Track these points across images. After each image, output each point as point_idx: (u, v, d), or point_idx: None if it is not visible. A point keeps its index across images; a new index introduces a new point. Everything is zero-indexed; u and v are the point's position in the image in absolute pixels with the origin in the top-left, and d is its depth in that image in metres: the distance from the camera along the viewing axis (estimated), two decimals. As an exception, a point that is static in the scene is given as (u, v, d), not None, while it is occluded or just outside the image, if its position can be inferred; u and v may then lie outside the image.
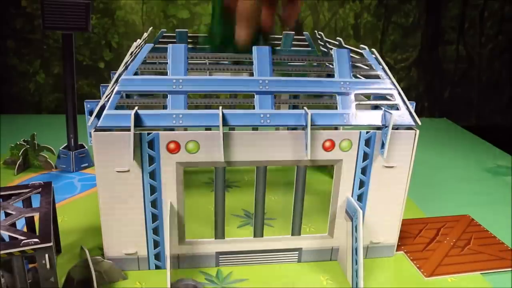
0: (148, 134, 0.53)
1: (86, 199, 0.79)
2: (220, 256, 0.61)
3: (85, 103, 0.57)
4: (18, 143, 0.91)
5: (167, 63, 0.55)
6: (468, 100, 1.74)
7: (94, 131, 0.52)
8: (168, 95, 0.54)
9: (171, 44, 0.56)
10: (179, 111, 0.53)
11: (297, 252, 0.63)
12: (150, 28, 0.80)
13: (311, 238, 0.63)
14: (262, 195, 0.59)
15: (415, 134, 0.57)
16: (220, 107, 0.54)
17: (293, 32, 0.89)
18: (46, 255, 0.46)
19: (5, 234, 0.50)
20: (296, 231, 0.62)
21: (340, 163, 0.58)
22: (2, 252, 0.44)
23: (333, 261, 0.64)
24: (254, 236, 0.61)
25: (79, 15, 0.81)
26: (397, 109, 0.57)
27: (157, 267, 0.60)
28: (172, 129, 0.62)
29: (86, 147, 0.93)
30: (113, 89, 0.53)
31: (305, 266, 0.62)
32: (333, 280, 0.60)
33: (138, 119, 0.52)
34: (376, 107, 0.61)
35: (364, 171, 0.59)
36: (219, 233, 0.60)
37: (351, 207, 0.58)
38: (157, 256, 0.59)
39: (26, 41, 1.38)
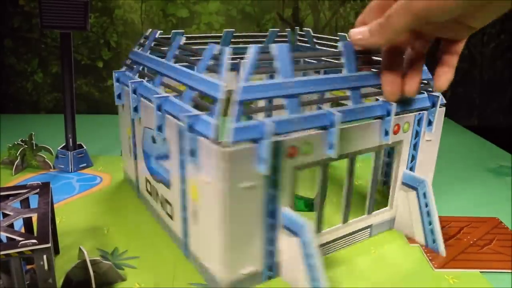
0: (275, 142, 0.50)
1: (84, 200, 0.78)
2: None
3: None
4: (16, 143, 0.90)
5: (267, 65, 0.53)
6: (470, 99, 1.73)
7: (222, 148, 0.47)
8: (285, 99, 0.51)
9: (275, 44, 0.52)
10: (298, 115, 0.51)
11: (369, 229, 0.68)
12: (150, 30, 0.80)
13: (378, 213, 0.69)
14: (349, 183, 0.62)
15: (443, 111, 0.67)
16: (331, 106, 0.58)
17: (297, 27, 0.89)
18: (44, 256, 0.45)
19: (3, 235, 0.49)
20: (370, 209, 0.67)
21: (401, 143, 0.65)
22: (0, 253, 0.44)
23: (391, 229, 0.71)
24: (344, 222, 0.64)
25: (78, 14, 0.80)
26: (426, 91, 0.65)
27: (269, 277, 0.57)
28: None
29: (85, 147, 0.92)
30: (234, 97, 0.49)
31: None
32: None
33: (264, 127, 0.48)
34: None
35: (415, 146, 0.67)
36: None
37: (412, 179, 0.66)
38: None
39: (23, 40, 1.37)
